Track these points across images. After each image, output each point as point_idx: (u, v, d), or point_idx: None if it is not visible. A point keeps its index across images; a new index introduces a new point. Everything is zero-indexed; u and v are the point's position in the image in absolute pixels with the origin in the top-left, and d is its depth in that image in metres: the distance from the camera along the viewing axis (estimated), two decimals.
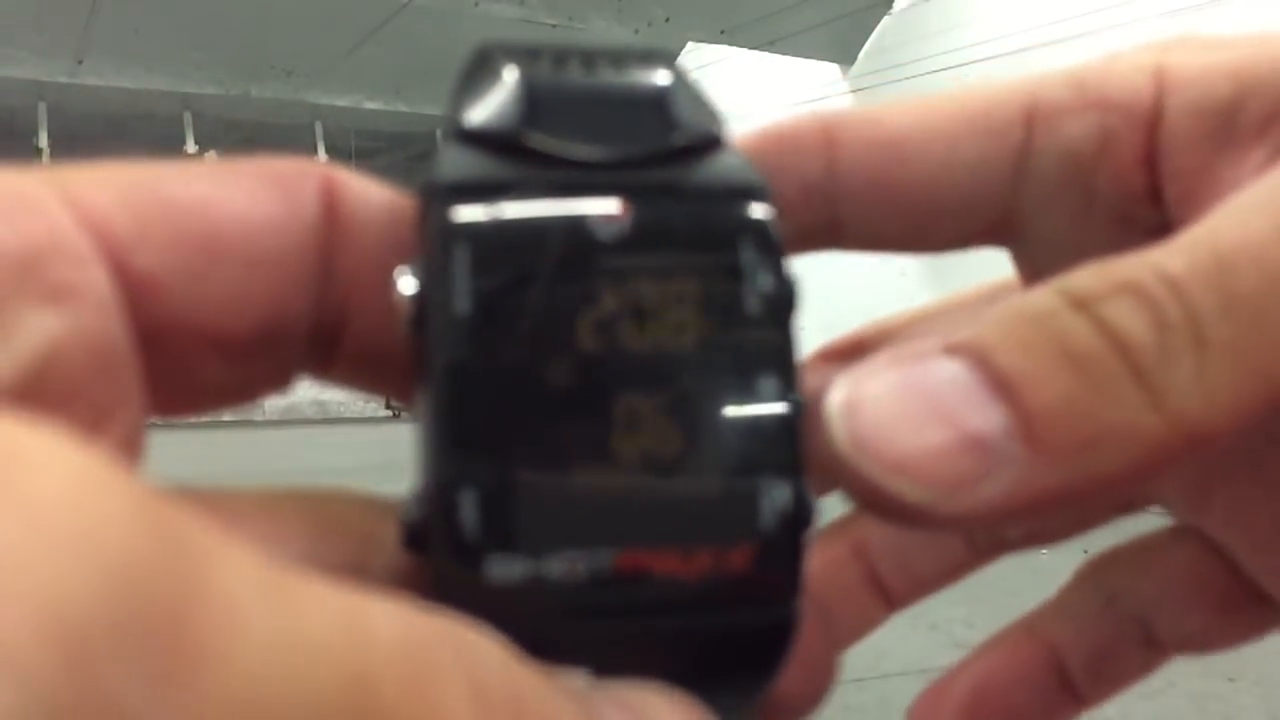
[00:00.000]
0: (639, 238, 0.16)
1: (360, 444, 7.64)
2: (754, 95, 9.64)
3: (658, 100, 0.17)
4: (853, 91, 8.87)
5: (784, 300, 0.16)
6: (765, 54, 9.05)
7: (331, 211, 0.17)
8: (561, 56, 0.17)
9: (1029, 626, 0.27)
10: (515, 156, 0.16)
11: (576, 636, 0.15)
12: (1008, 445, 0.15)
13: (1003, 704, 0.26)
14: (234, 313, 0.17)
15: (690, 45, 10.26)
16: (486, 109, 0.17)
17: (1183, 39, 0.21)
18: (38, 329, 0.15)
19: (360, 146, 12.87)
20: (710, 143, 0.17)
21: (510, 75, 0.17)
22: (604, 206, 0.16)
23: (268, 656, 0.10)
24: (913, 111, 0.22)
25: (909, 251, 0.23)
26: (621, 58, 0.18)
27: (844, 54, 8.86)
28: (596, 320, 0.15)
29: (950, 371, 0.16)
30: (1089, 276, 0.17)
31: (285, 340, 0.17)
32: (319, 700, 0.10)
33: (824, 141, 0.22)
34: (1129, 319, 0.16)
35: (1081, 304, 0.16)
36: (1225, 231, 0.17)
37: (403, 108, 11.37)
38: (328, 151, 11.94)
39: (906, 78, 7.99)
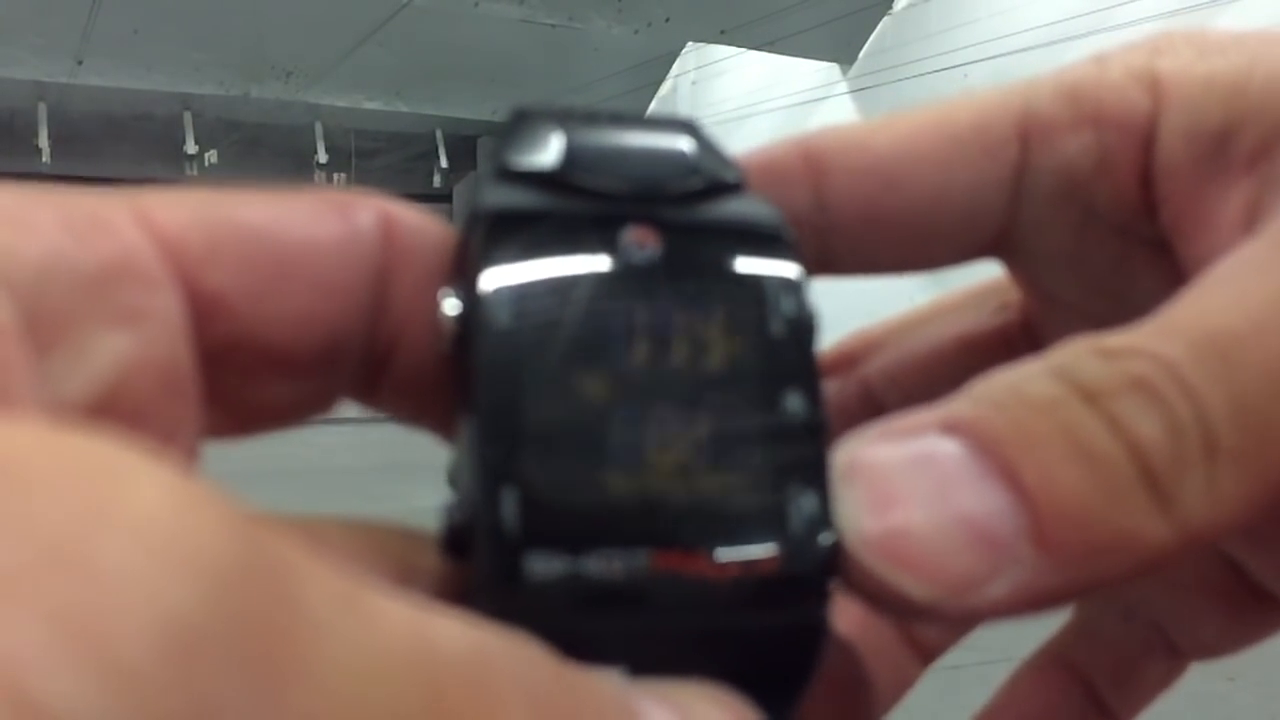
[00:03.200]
0: (670, 263, 0.17)
1: (360, 444, 7.64)
2: (754, 95, 9.64)
3: (683, 150, 0.19)
4: (852, 91, 8.88)
5: (805, 323, 0.17)
6: (765, 54, 9.05)
7: (388, 239, 0.18)
8: (594, 117, 0.19)
9: (1052, 653, 0.27)
10: (554, 190, 0.17)
11: (612, 635, 0.16)
12: (1017, 544, 0.15)
13: None
14: (296, 333, 0.17)
15: (690, 45, 10.27)
16: (527, 153, 0.18)
17: (1174, 39, 0.21)
18: (109, 350, 0.15)
19: (360, 146, 12.87)
20: (732, 187, 0.18)
21: (548, 125, 0.18)
22: (637, 233, 0.17)
23: (347, 669, 0.10)
24: (900, 133, 0.21)
25: (905, 272, 0.23)
26: (649, 121, 0.19)
27: (844, 54, 8.86)
28: (630, 337, 0.16)
29: (952, 452, 0.16)
30: (1092, 363, 0.16)
31: (339, 363, 0.18)
32: (393, 711, 0.10)
33: (809, 171, 0.21)
34: (1143, 421, 0.15)
35: (1091, 398, 0.16)
36: (1225, 317, 0.16)
37: (403, 108, 11.38)
38: (328, 151, 11.95)
39: (906, 78, 8.00)
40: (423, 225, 0.18)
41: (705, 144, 0.19)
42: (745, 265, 0.17)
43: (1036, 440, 0.15)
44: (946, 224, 0.21)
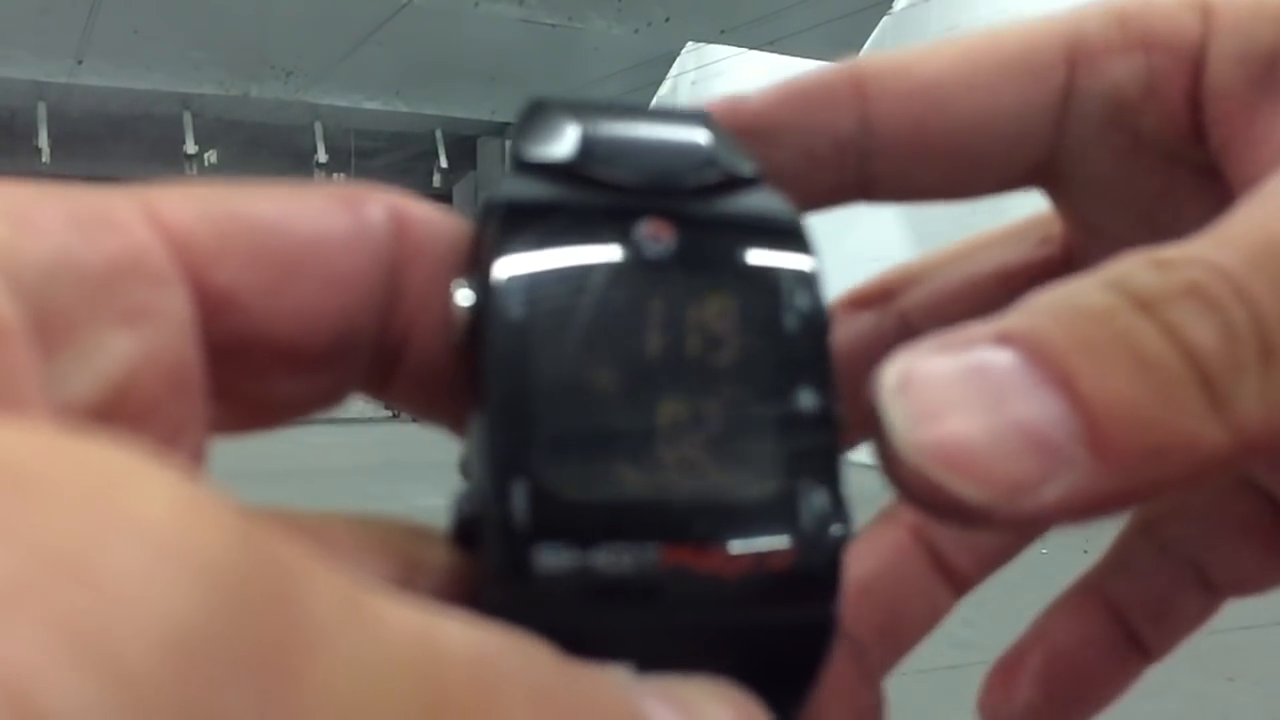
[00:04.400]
0: (684, 257, 0.17)
1: (360, 444, 7.64)
2: None
3: (699, 144, 0.18)
4: None
5: (819, 318, 0.17)
6: (765, 54, 9.04)
7: (400, 233, 0.18)
8: (610, 108, 0.19)
9: (1087, 586, 0.27)
10: (569, 182, 0.17)
11: (621, 630, 0.16)
12: (1071, 448, 0.15)
13: (1076, 667, 0.26)
14: (305, 329, 0.17)
15: (690, 45, 10.26)
16: (543, 145, 0.18)
17: None
18: (117, 350, 0.15)
19: (360, 146, 12.86)
20: (748, 181, 0.18)
21: (564, 117, 0.18)
22: (652, 227, 0.17)
23: (352, 673, 0.10)
24: (947, 57, 0.21)
25: (946, 200, 0.22)
26: (664, 113, 0.19)
27: (844, 54, 8.81)
28: (643, 330, 0.16)
29: (1006, 361, 0.16)
30: (1147, 273, 0.16)
31: (350, 358, 0.18)
32: (397, 713, 0.10)
33: (855, 94, 0.21)
34: (1198, 326, 0.16)
35: (1146, 306, 0.16)
36: (1277, 226, 0.16)
37: (403, 108, 11.37)
38: (328, 151, 11.94)
39: None
40: (434, 218, 0.18)
41: (722, 136, 0.19)
42: (760, 260, 0.17)
43: (1091, 347, 0.15)
44: (992, 149, 0.21)
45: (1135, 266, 0.16)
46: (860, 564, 0.24)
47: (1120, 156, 0.21)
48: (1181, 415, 0.15)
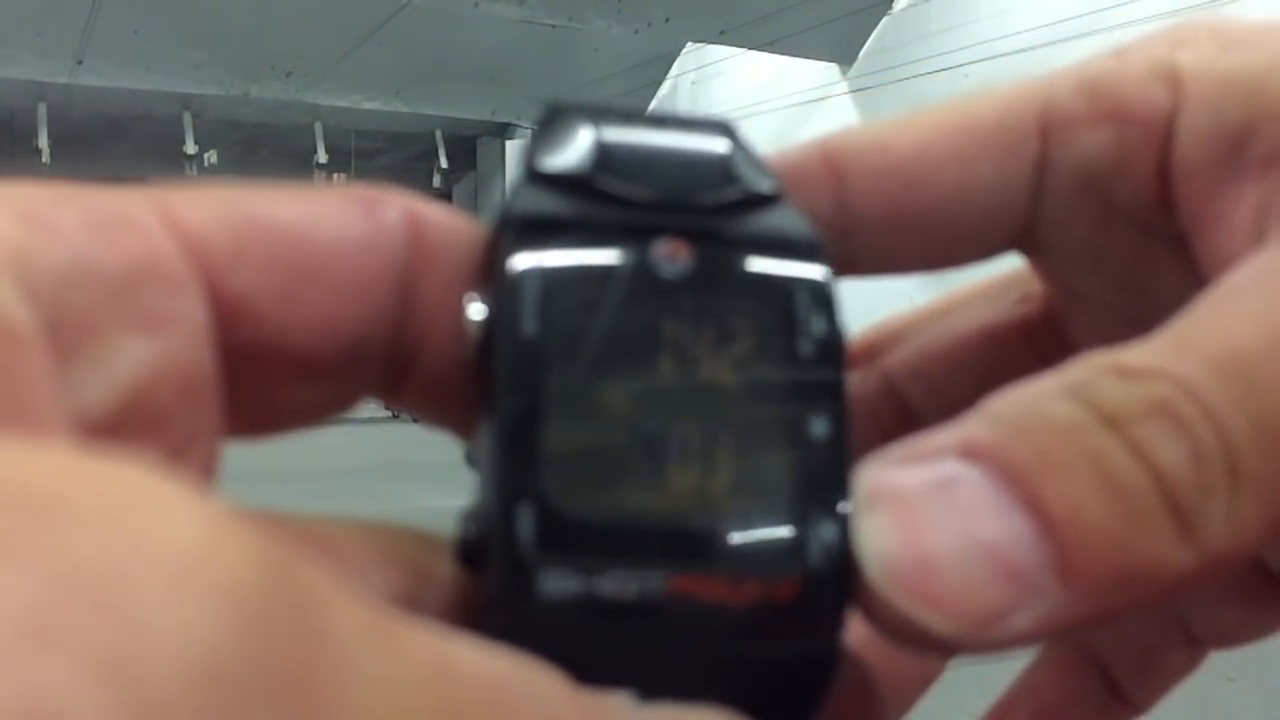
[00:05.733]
0: (700, 277, 0.17)
1: (360, 444, 7.64)
2: (753, 95, 9.63)
3: (719, 158, 0.18)
4: (852, 92, 8.88)
5: (835, 344, 0.17)
6: (765, 54, 9.05)
7: (415, 238, 0.17)
8: (629, 116, 0.18)
9: (1071, 642, 0.27)
10: (585, 197, 0.17)
11: (624, 657, 0.15)
12: (1041, 575, 0.15)
13: None
14: (320, 335, 0.17)
15: (690, 45, 10.26)
16: (559, 155, 0.18)
17: (1197, 30, 0.20)
18: (133, 357, 0.15)
19: (360, 146, 12.87)
20: (768, 199, 0.18)
21: (582, 127, 0.18)
22: (668, 246, 0.17)
23: (373, 700, 0.10)
24: (920, 132, 0.21)
25: (928, 271, 0.22)
26: (685, 122, 0.19)
27: (844, 54, 8.86)
28: (656, 351, 0.16)
29: (973, 479, 0.15)
30: (1111, 384, 0.16)
31: (363, 364, 0.17)
32: None
33: (830, 174, 0.21)
34: (1167, 448, 0.15)
35: (1114, 424, 0.15)
36: (1243, 334, 0.16)
37: (403, 108, 11.37)
38: (328, 151, 11.94)
39: (906, 78, 8.00)
40: (449, 223, 0.18)
41: (742, 150, 0.18)
42: (777, 284, 0.17)
43: (1060, 468, 0.15)
44: (969, 222, 0.21)
45: (1097, 374, 0.16)
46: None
47: (1095, 225, 0.21)
48: (1151, 540, 0.15)
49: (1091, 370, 0.16)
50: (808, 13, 7.96)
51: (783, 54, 8.93)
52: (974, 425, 0.16)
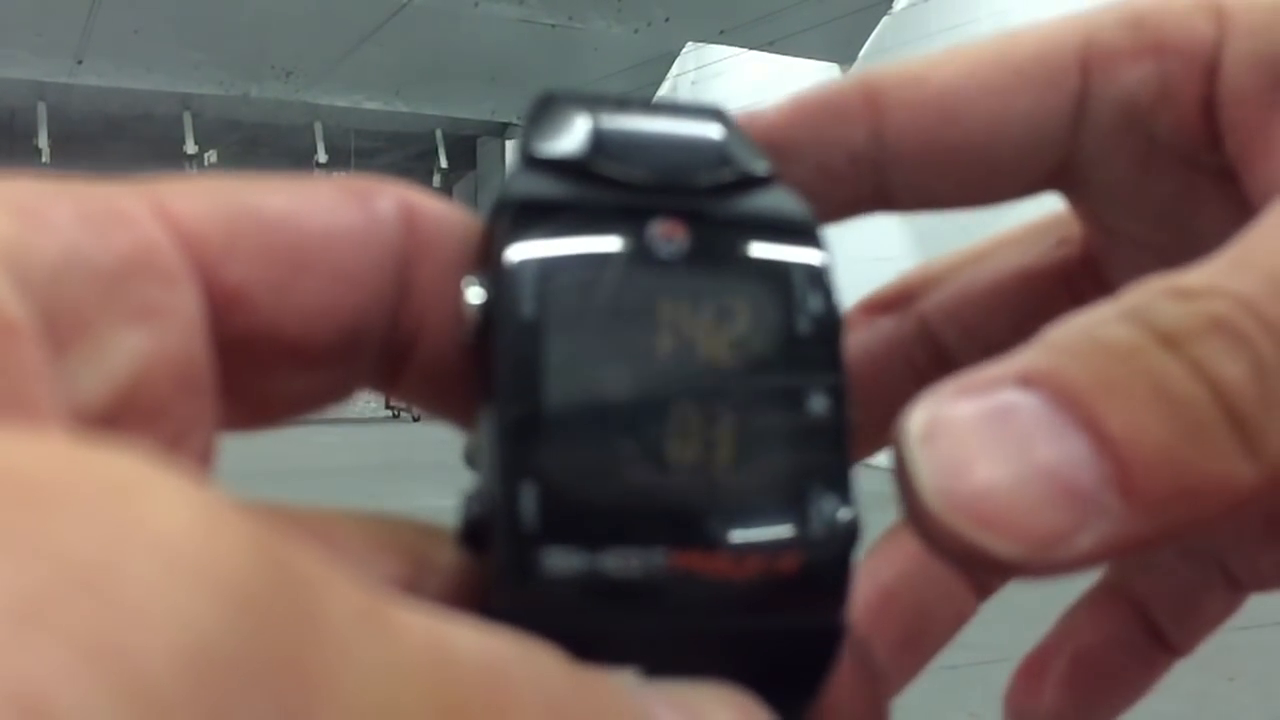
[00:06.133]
0: (696, 257, 0.17)
1: (360, 444, 7.64)
2: (753, 95, 9.63)
3: (713, 141, 0.18)
4: None
5: (833, 321, 0.17)
6: (764, 54, 9.04)
7: (410, 227, 0.17)
8: (622, 103, 0.18)
9: (1110, 585, 0.27)
10: (581, 180, 0.17)
11: (628, 634, 0.16)
12: (1102, 494, 0.15)
13: (1102, 666, 0.26)
14: (315, 325, 0.17)
15: (690, 45, 10.26)
16: (555, 141, 0.18)
17: None
18: (127, 348, 0.15)
19: (360, 146, 12.86)
20: (762, 180, 0.18)
21: (577, 113, 0.18)
22: (664, 227, 0.17)
23: (369, 684, 0.10)
24: (959, 65, 0.21)
25: (965, 207, 0.22)
26: (679, 108, 0.19)
27: (844, 54, 8.85)
28: (654, 331, 0.16)
29: (1031, 405, 0.15)
30: (1168, 305, 0.16)
31: (359, 353, 0.17)
32: None
33: (868, 107, 0.21)
34: (1226, 363, 0.15)
35: (1172, 342, 0.15)
36: None
37: (403, 108, 11.37)
38: (328, 151, 11.93)
39: None
40: (444, 212, 0.18)
41: (736, 133, 0.19)
42: (773, 262, 0.17)
43: (1118, 389, 0.15)
44: (1006, 156, 0.21)
45: (1155, 296, 0.16)
46: (882, 571, 0.24)
47: (1137, 161, 0.21)
48: (1213, 456, 0.15)
49: (1149, 294, 0.16)
50: (808, 13, 7.95)
51: (782, 54, 8.92)
52: (1032, 354, 0.16)
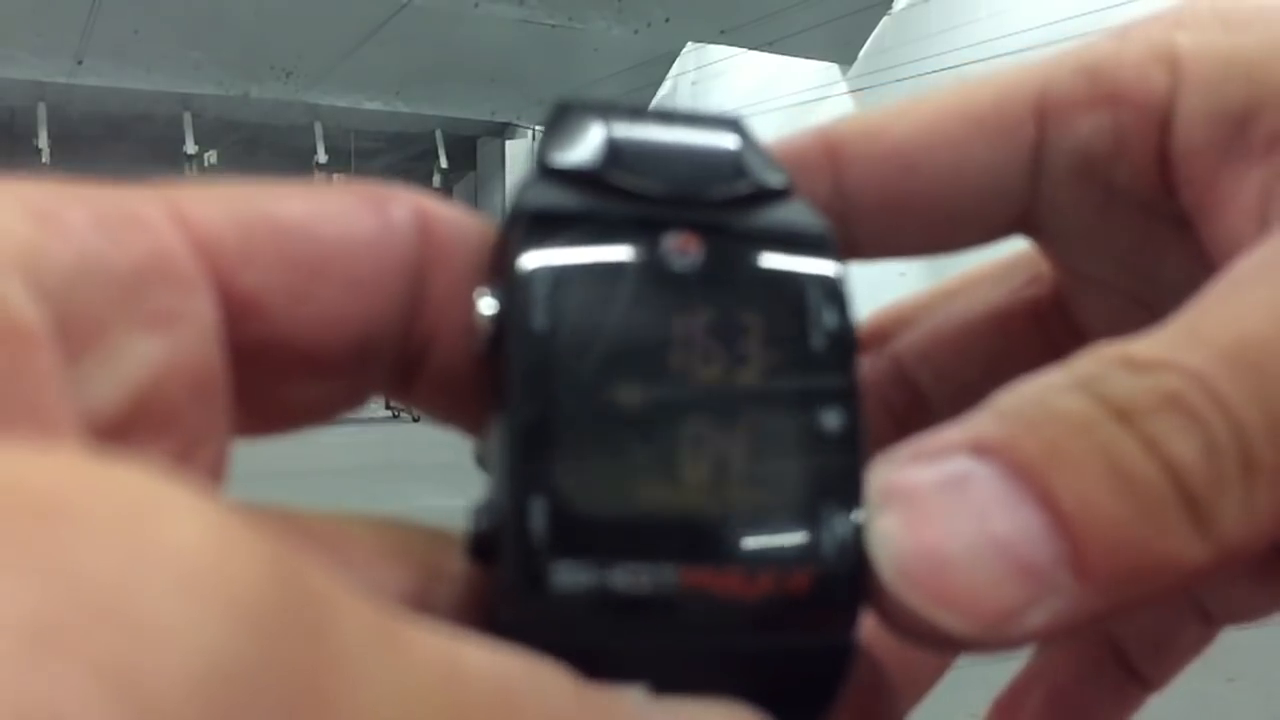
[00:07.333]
0: (711, 272, 0.17)
1: (360, 444, 7.64)
2: (753, 95, 9.63)
3: (729, 153, 0.18)
4: (852, 91, 8.88)
5: (847, 336, 0.17)
6: (765, 54, 9.05)
7: (425, 235, 0.17)
8: (638, 113, 0.18)
9: None
10: (595, 191, 0.17)
11: (637, 651, 0.15)
12: (1055, 572, 0.15)
13: (1076, 702, 0.26)
14: (330, 332, 0.17)
15: (690, 45, 10.27)
16: (570, 151, 0.18)
17: (1199, 10, 0.20)
18: (142, 355, 0.15)
19: (360, 146, 12.87)
20: (778, 194, 0.18)
21: (593, 124, 0.18)
22: (679, 240, 0.17)
23: (380, 703, 0.10)
24: (917, 117, 0.21)
25: (929, 255, 0.22)
26: (694, 118, 0.19)
27: (844, 54, 8.87)
28: (667, 345, 0.16)
29: (985, 476, 0.15)
30: (1121, 377, 0.16)
31: (373, 361, 0.17)
32: None
33: (827, 160, 0.21)
34: (1180, 441, 0.15)
35: (1125, 417, 0.15)
36: (1254, 322, 0.16)
37: (403, 108, 11.38)
38: (328, 151, 11.94)
39: (906, 78, 7.99)
40: (460, 220, 0.18)
41: (752, 145, 0.18)
42: (788, 277, 0.17)
43: (1071, 463, 0.15)
44: (967, 205, 0.21)
45: (1107, 366, 0.16)
46: None
47: (1096, 209, 0.21)
48: (1165, 534, 0.15)
49: (1101, 362, 0.16)
50: (808, 13, 7.96)
51: (783, 54, 8.93)
52: (983, 421, 0.16)
